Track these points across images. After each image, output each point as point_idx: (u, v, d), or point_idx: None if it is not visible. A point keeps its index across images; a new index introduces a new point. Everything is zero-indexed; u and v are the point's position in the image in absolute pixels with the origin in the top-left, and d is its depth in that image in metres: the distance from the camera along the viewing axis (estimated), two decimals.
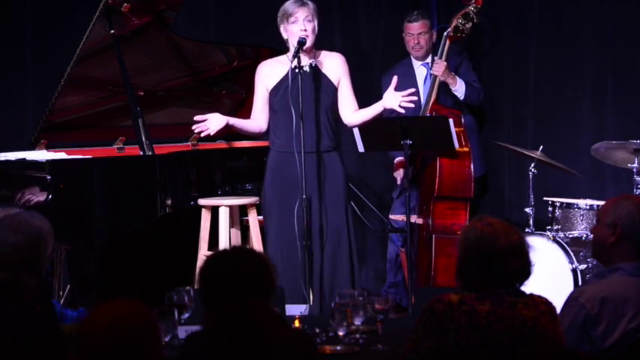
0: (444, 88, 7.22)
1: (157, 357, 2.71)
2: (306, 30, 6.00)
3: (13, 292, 3.53)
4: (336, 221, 6.09)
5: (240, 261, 3.46)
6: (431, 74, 7.23)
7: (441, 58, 7.11)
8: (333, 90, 6.12)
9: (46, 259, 3.67)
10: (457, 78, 7.23)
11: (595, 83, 7.67)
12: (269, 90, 6.12)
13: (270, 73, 6.13)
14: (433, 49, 7.46)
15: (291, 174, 6.03)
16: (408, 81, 7.41)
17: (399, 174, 7.23)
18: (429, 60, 7.43)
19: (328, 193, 6.08)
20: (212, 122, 6.22)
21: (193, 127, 6.32)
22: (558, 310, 3.88)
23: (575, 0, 7.71)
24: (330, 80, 6.11)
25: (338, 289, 5.86)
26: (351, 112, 6.23)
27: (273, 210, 6.14)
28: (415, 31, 7.44)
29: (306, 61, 6.05)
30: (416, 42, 7.44)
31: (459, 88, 7.24)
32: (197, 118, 6.29)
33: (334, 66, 6.14)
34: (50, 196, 6.39)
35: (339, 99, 6.18)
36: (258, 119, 6.26)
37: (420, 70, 7.47)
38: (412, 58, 7.51)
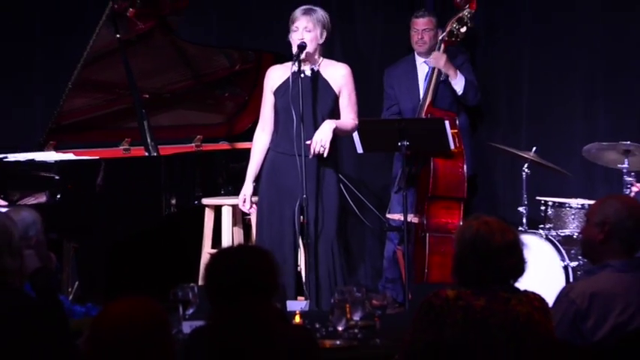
0: (441, 89, 7.25)
1: (169, 351, 2.73)
2: (303, 39, 5.96)
3: None
4: (330, 222, 6.05)
5: (245, 259, 3.47)
6: (430, 71, 7.24)
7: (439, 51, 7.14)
8: (333, 97, 6.05)
9: (19, 241, 3.70)
10: (458, 71, 7.23)
11: (586, 86, 7.68)
12: (273, 92, 6.10)
13: (275, 76, 6.09)
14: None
15: (286, 175, 6.02)
16: (410, 77, 7.46)
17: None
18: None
19: (323, 195, 6.04)
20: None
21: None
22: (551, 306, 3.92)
23: (568, 5, 7.72)
24: (330, 87, 6.05)
25: (323, 283, 5.91)
26: None
27: (266, 208, 6.12)
28: (420, 27, 7.45)
29: (307, 67, 6.04)
30: (420, 37, 7.45)
31: (458, 82, 7.23)
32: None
33: (338, 75, 6.07)
34: (59, 196, 6.41)
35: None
36: (269, 124, 6.18)
37: (422, 67, 7.47)
38: (415, 55, 7.52)
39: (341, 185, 6.28)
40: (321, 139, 5.92)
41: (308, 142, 5.93)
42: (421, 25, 7.45)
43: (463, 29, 7.17)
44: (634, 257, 4.10)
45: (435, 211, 6.99)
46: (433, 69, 7.18)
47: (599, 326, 3.95)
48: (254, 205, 6.22)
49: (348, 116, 6.09)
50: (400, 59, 7.62)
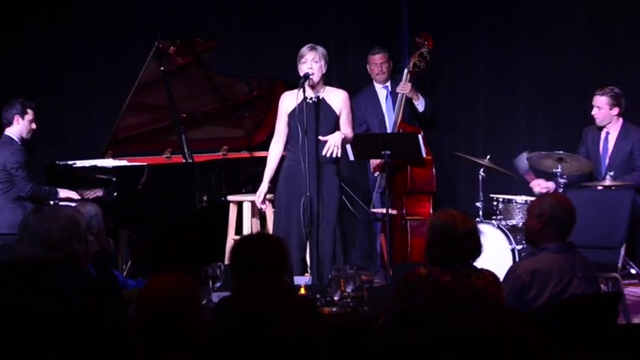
0: (407, 111, 7.28)
1: (200, 317, 2.72)
2: (312, 68, 5.93)
3: (68, 263, 3.56)
4: (329, 215, 5.96)
5: (262, 244, 3.48)
6: (393, 99, 7.30)
7: (405, 81, 7.18)
8: (335, 117, 5.95)
9: (85, 229, 3.70)
10: (419, 95, 7.28)
11: (529, 107, 7.71)
12: (287, 114, 6.06)
13: (289, 101, 6.02)
14: (392, 77, 7.51)
15: (298, 177, 5.99)
16: (373, 101, 7.51)
17: (374, 166, 7.26)
18: (388, 84, 7.51)
19: (324, 193, 5.96)
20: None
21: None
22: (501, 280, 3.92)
23: (514, 41, 7.73)
24: (332, 109, 5.95)
25: (323, 263, 5.85)
26: None
27: (282, 203, 6.07)
28: (378, 61, 7.52)
29: (313, 93, 5.94)
30: (380, 69, 7.52)
31: (420, 102, 7.31)
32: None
33: (338, 99, 5.97)
34: (115, 194, 6.41)
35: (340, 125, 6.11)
36: (282, 138, 6.08)
37: (381, 92, 7.56)
38: (374, 83, 7.55)
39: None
40: (335, 142, 5.82)
41: (323, 139, 5.81)
42: (378, 59, 7.52)
43: (423, 62, 7.27)
44: (565, 242, 4.12)
45: (412, 202, 7.03)
46: (401, 95, 7.22)
47: (539, 296, 3.97)
48: (267, 202, 6.18)
49: (347, 130, 6.02)
50: (362, 89, 7.58)
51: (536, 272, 3.98)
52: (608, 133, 6.78)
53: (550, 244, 4.08)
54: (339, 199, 6.06)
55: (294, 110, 5.95)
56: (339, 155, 5.85)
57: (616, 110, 6.69)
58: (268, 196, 6.16)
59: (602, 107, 6.69)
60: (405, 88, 7.17)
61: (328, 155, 5.83)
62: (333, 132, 5.95)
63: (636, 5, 7.30)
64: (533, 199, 6.44)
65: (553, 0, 7.59)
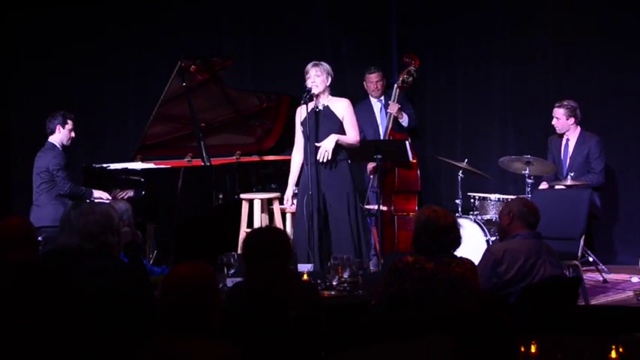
0: (395, 122, 7.28)
1: (216, 300, 2.71)
2: (314, 82, 5.88)
3: (103, 252, 3.55)
4: (340, 210, 5.82)
5: (270, 235, 3.46)
6: (387, 112, 7.28)
7: (393, 101, 7.17)
8: (339, 123, 5.88)
9: (118, 223, 3.68)
10: (404, 113, 7.28)
11: (501, 117, 7.70)
12: (300, 124, 5.93)
13: (301, 112, 5.93)
14: (385, 91, 7.49)
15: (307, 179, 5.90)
16: (369, 113, 7.48)
17: (370, 169, 7.24)
18: (382, 98, 7.47)
19: (335, 189, 5.83)
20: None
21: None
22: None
23: (488, 62, 7.71)
24: (336, 116, 5.89)
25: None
26: None
27: (298, 204, 5.92)
28: (374, 80, 7.49)
29: (320, 103, 5.89)
30: (375, 86, 7.49)
31: (404, 120, 7.31)
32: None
33: (341, 107, 5.91)
34: (144, 192, 6.39)
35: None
36: (300, 146, 5.96)
37: (376, 105, 7.52)
38: (370, 98, 7.53)
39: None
40: (326, 147, 5.76)
41: (318, 144, 5.77)
42: (374, 78, 7.48)
43: (410, 79, 7.24)
44: (534, 231, 4.21)
45: (400, 200, 7.00)
46: (389, 114, 7.22)
47: (509, 269, 4.06)
48: (293, 201, 6.04)
49: (352, 134, 5.89)
50: (360, 102, 7.52)
51: (507, 251, 4.08)
52: (568, 140, 6.82)
53: (521, 232, 4.17)
54: (351, 194, 5.88)
55: (304, 120, 5.89)
56: (328, 158, 5.76)
57: (572, 120, 6.75)
58: (276, 195, 6.09)
59: (560, 118, 6.76)
60: (392, 108, 7.20)
61: (321, 160, 5.78)
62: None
63: (592, 30, 7.31)
64: (505, 196, 6.57)
65: (521, 25, 7.59)
